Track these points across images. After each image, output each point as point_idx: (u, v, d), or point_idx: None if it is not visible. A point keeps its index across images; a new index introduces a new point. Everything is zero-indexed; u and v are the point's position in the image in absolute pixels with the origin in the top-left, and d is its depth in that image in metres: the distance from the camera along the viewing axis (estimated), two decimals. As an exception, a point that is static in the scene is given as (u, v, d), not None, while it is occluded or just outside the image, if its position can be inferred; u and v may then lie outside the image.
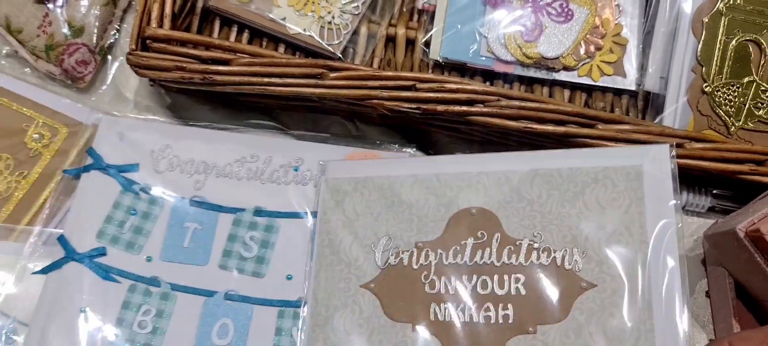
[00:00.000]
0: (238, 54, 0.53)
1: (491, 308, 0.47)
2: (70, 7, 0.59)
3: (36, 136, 0.58)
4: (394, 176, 0.52)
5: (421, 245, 0.50)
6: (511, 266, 0.48)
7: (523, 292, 0.47)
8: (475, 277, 0.48)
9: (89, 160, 0.55)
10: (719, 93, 0.54)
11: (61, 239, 0.53)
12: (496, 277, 0.48)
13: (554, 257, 0.48)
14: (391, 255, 0.50)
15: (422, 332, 0.48)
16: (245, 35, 0.61)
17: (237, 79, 0.52)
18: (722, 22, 0.53)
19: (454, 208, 0.51)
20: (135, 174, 0.55)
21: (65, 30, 0.58)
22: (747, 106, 0.53)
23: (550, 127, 0.52)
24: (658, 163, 0.48)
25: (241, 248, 0.53)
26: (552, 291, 0.47)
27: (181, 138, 0.56)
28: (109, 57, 0.61)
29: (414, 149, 0.59)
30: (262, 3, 0.60)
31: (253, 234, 0.54)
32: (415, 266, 0.50)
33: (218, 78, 0.52)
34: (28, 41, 0.59)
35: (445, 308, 0.48)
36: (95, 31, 0.59)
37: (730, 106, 0.53)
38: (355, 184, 0.53)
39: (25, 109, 0.58)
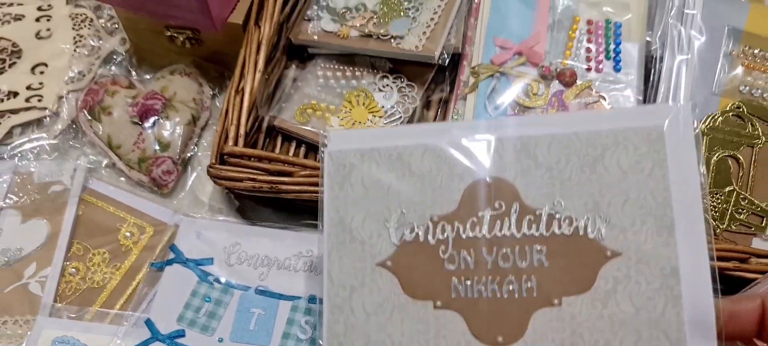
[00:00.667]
0: (298, 167, 0.64)
1: (514, 281, 0.45)
2: (159, 127, 0.71)
3: (127, 234, 0.69)
4: (403, 145, 0.49)
5: (436, 218, 0.48)
6: (532, 238, 0.46)
7: (545, 263, 0.45)
8: (495, 249, 0.46)
9: (172, 255, 0.66)
10: (705, 201, 0.63)
11: (148, 322, 0.63)
12: (517, 249, 0.46)
13: (576, 226, 0.45)
14: (406, 230, 0.48)
15: (444, 309, 0.46)
16: (302, 149, 0.72)
17: (298, 188, 0.63)
18: (704, 141, 0.64)
19: (469, 178, 0.48)
20: (210, 267, 0.66)
21: (155, 146, 0.71)
22: (729, 211, 0.62)
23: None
24: (680, 124, 0.45)
25: (297, 331, 0.63)
26: (576, 261, 0.45)
27: (248, 236, 0.67)
28: (189, 167, 0.73)
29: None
30: (317, 122, 0.71)
31: (307, 319, 0.63)
32: (431, 241, 0.47)
33: (283, 187, 0.63)
34: (125, 155, 0.71)
35: (466, 284, 0.46)
36: (179, 146, 0.71)
37: (715, 212, 0.63)
38: (362, 155, 0.49)
39: (119, 212, 0.70)
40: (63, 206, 0.69)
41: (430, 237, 0.47)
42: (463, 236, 0.47)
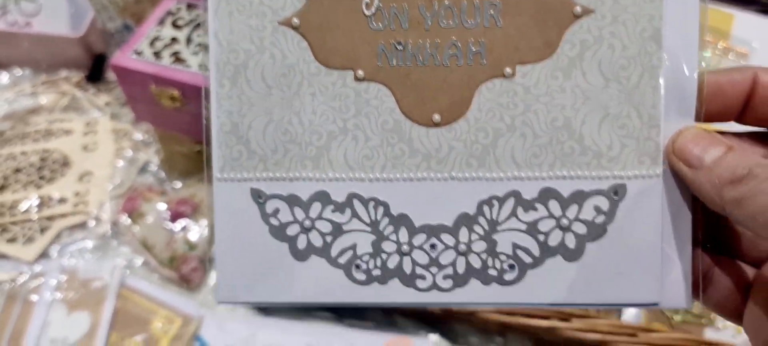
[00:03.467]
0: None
1: (457, 44, 0.36)
2: (187, 230, 0.82)
3: (159, 325, 0.79)
4: None
5: None
6: (485, -13, 0.35)
7: (499, 22, 0.36)
8: (436, 3, 0.36)
9: (197, 345, 0.76)
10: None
11: (175, 404, 0.72)
12: (464, 2, 0.36)
13: None
14: None
15: (368, 81, 0.36)
16: (312, 249, 0.82)
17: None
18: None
19: None
20: (230, 354, 0.75)
21: (184, 246, 0.81)
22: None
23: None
24: None
25: (306, 412, 0.71)
26: (536, 20, 0.35)
27: (263, 327, 0.76)
28: (213, 266, 0.83)
29: (438, 336, 0.77)
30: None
31: (315, 401, 0.72)
32: None
33: (294, 285, 0.73)
34: (158, 254, 0.82)
35: (396, 48, 0.36)
36: (204, 246, 0.82)
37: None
38: None
39: (151, 305, 0.80)
40: (103, 300, 0.79)
41: None
42: None
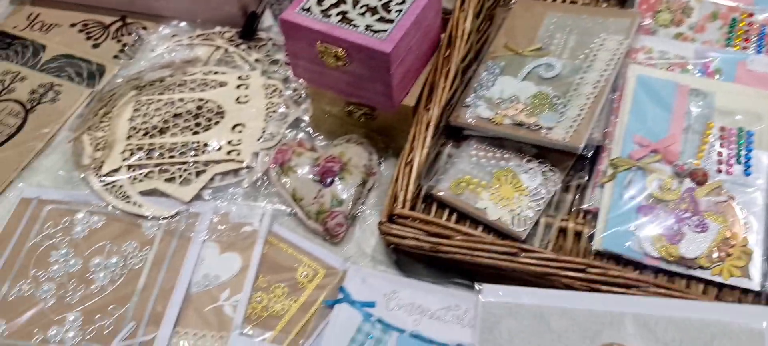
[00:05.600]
0: (454, 232, 0.75)
1: None
2: (335, 186, 0.85)
3: (303, 273, 0.82)
4: (545, 305, 0.62)
5: None
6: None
7: None
8: None
9: (340, 295, 0.78)
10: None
11: (319, 350, 0.74)
12: None
13: None
14: None
15: None
16: (454, 216, 0.83)
17: (455, 250, 0.74)
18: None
19: (598, 341, 0.59)
20: (372, 309, 0.77)
21: (331, 202, 0.84)
22: None
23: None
24: None
25: (444, 373, 0.72)
26: None
27: (405, 287, 0.78)
28: (357, 223, 0.86)
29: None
30: (470, 195, 0.82)
31: (453, 363, 0.73)
32: None
33: (442, 249, 0.74)
34: (306, 207, 0.85)
35: None
36: (350, 203, 0.84)
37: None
38: (509, 309, 0.62)
39: (297, 254, 0.83)
40: (252, 244, 0.83)
41: None
42: None
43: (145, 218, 0.86)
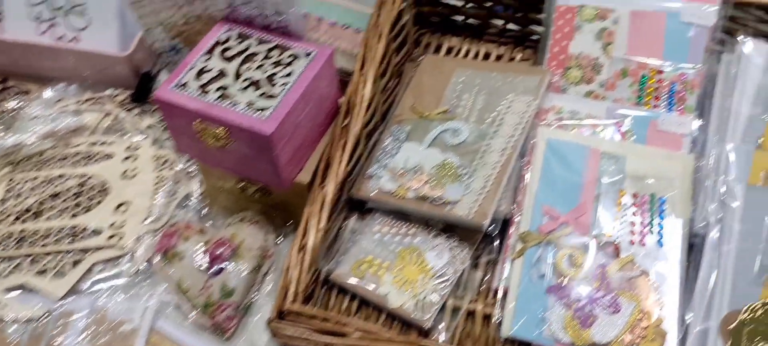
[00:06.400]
0: (352, 329, 0.69)
1: None
2: (225, 274, 0.77)
3: (189, 375, 0.74)
4: None
5: None
6: None
7: None
8: None
9: (229, 401, 0.71)
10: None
11: None
12: None
13: None
14: None
15: None
16: (355, 302, 0.77)
17: (349, 350, 0.67)
18: (744, 330, 0.65)
19: None
20: (263, 416, 0.70)
21: (220, 292, 0.76)
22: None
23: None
24: None
25: None
26: None
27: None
28: (251, 315, 0.79)
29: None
30: (371, 278, 0.76)
31: None
32: None
33: (335, 347, 0.67)
34: (192, 299, 0.77)
35: None
36: (241, 293, 0.77)
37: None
38: None
39: (183, 353, 0.75)
40: (132, 345, 0.75)
41: None
42: None
43: (7, 322, 0.77)
